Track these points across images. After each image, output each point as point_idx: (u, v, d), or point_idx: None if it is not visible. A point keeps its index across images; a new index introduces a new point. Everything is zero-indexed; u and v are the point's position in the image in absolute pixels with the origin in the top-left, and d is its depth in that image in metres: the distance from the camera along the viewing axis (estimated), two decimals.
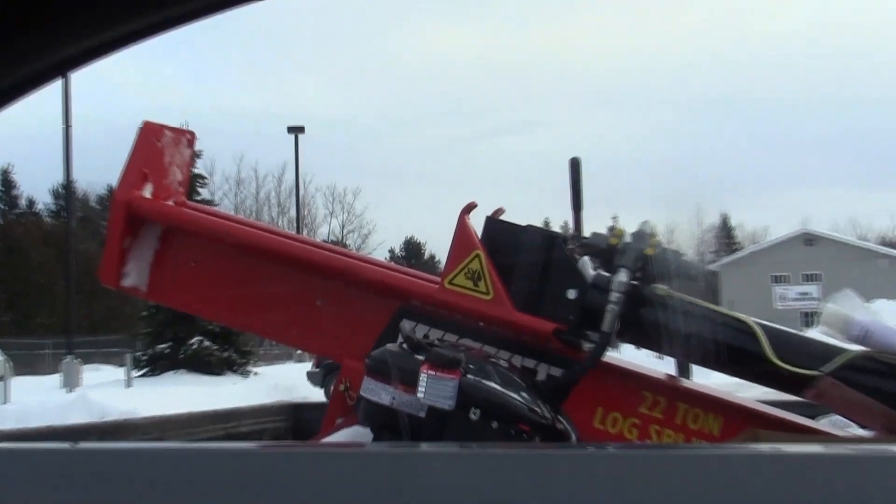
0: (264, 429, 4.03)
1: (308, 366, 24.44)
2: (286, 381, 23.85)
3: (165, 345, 27.90)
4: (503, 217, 3.30)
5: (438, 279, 3.27)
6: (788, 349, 2.99)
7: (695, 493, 1.99)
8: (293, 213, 52.94)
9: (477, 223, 3.26)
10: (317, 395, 20.43)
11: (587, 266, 3.18)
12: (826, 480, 1.95)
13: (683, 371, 3.41)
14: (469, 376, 2.59)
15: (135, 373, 27.15)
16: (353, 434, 2.82)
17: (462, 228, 3.21)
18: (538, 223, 3.32)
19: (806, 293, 60.58)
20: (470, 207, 3.25)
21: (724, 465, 2.03)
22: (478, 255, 3.16)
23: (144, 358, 28.43)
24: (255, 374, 28.75)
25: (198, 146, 3.87)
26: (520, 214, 3.29)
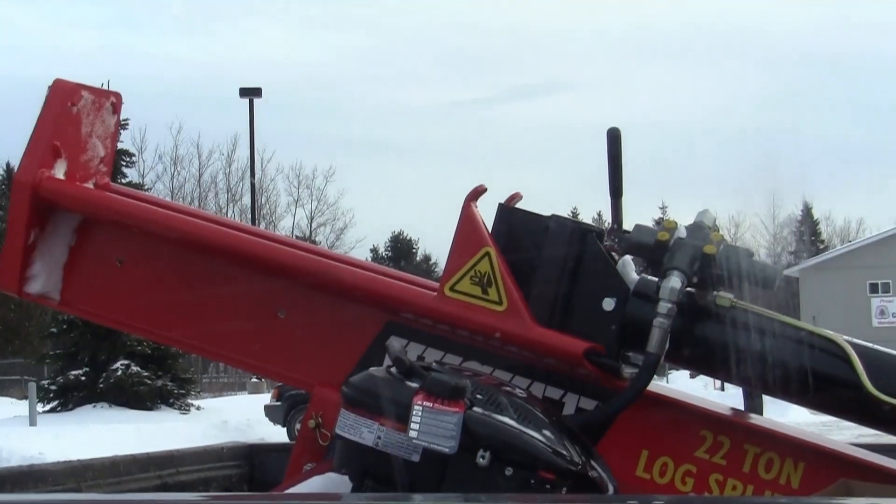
0: (211, 477, 4.04)
1: (266, 398, 24.45)
2: (238, 417, 23.87)
3: (80, 371, 27.89)
4: (519, 205, 3.32)
5: (436, 285, 3.29)
6: (892, 377, 3.01)
7: None
8: (247, 200, 52.84)
9: (486, 213, 3.28)
10: (277, 434, 20.46)
11: (629, 268, 3.20)
12: None
13: (753, 405, 3.43)
14: (476, 409, 2.61)
15: (40, 407, 27.14)
16: (325, 483, 2.84)
17: (467, 219, 3.23)
18: (564, 213, 3.34)
19: None
20: (477, 192, 3.26)
21: None
22: (487, 254, 3.18)
23: (53, 388, 28.44)
24: (198, 408, 28.77)
25: (124, 113, 3.89)
26: (540, 202, 3.31)
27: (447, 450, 2.54)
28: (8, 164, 57.14)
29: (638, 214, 3.25)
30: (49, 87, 3.56)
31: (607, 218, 3.27)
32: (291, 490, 2.99)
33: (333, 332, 3.45)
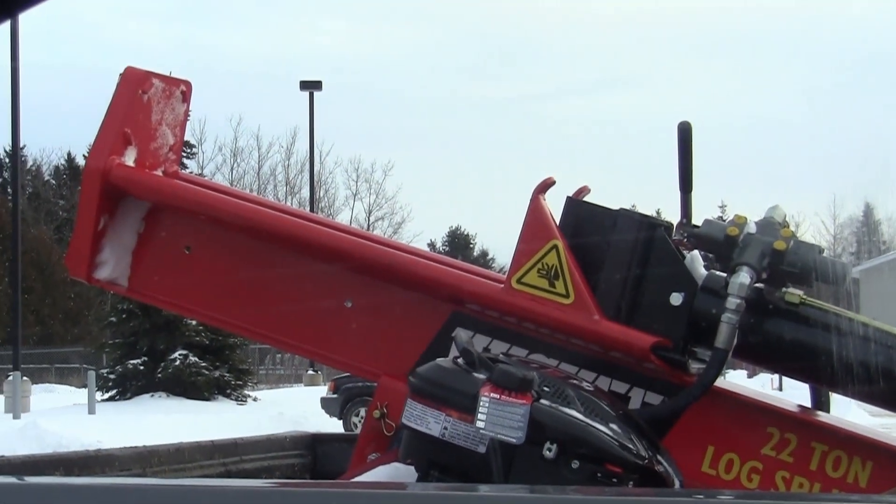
0: (274, 466, 4.07)
1: (323, 390, 24.53)
2: (294, 408, 23.98)
3: (139, 360, 28.12)
4: (588, 198, 3.32)
5: (503, 277, 3.29)
6: None
7: None
8: (306, 192, 53.05)
9: (554, 207, 3.27)
10: (333, 427, 20.54)
11: (698, 263, 3.19)
12: None
13: (821, 403, 3.40)
14: (543, 402, 2.61)
15: (99, 395, 27.37)
16: (391, 473, 2.85)
17: (535, 212, 3.23)
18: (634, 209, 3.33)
19: None
20: (546, 185, 3.26)
21: None
22: (555, 247, 3.18)
23: (112, 376, 28.70)
24: (255, 399, 28.92)
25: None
26: (603, 197, 3.30)
27: (514, 441, 2.54)
28: (69, 154, 57.67)
29: (699, 211, 3.24)
30: (120, 74, 3.59)
31: (665, 214, 3.26)
32: (357, 479, 3.00)
33: (400, 322, 3.46)
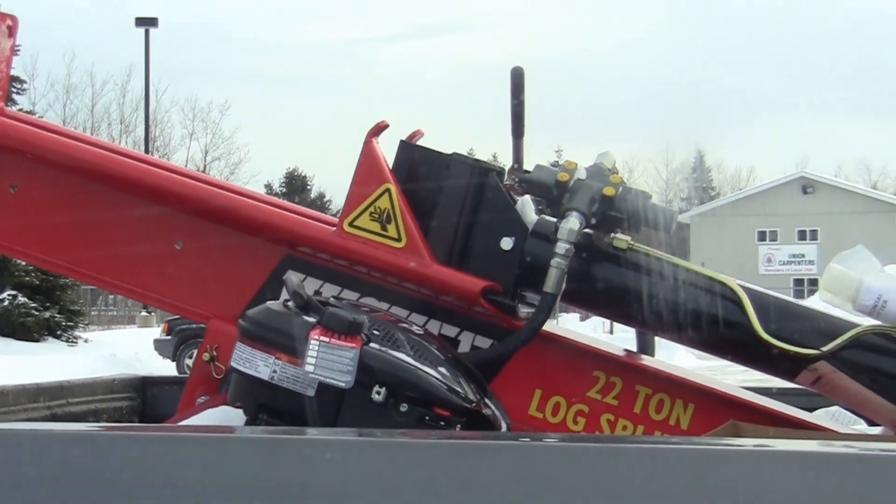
0: (102, 409, 4.01)
1: (156, 332, 24.31)
2: (127, 350, 23.72)
3: None
4: (421, 142, 3.32)
5: (336, 220, 3.28)
6: (781, 321, 3.06)
7: (656, 498, 2.05)
8: (140, 132, 52.34)
9: (387, 150, 3.27)
10: (166, 369, 20.37)
11: (528, 208, 3.21)
12: (822, 485, 2.01)
13: (646, 347, 3.47)
14: (373, 345, 2.62)
15: None
16: (220, 416, 2.83)
17: (368, 155, 3.22)
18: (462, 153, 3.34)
19: (800, 255, 61.70)
20: (379, 128, 3.25)
21: (696, 463, 2.08)
22: (388, 191, 3.18)
23: None
24: (87, 341, 28.57)
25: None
26: (438, 142, 3.30)
27: (343, 384, 2.54)
28: None
29: (534, 157, 3.26)
30: None
31: (503, 159, 3.28)
32: (184, 423, 2.98)
33: (231, 264, 3.43)
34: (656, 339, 3.58)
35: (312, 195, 70.60)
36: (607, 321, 20.83)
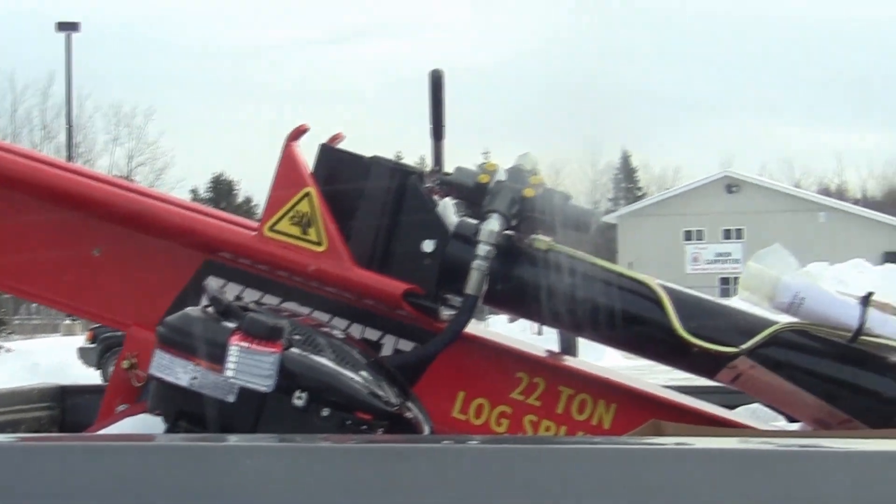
0: (20, 419, 3.97)
1: (80, 340, 24.08)
2: (50, 359, 23.49)
3: None
4: (342, 145, 3.31)
5: (256, 225, 3.26)
6: (701, 320, 3.09)
7: (579, 498, 2.06)
8: (63, 137, 51.77)
9: (308, 154, 3.26)
10: (90, 377, 20.17)
11: (449, 210, 3.22)
12: (743, 481, 2.03)
13: (568, 347, 3.49)
14: (293, 350, 2.61)
15: None
16: (139, 424, 2.81)
17: (288, 159, 3.21)
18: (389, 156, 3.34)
19: (726, 253, 62.19)
20: (299, 132, 3.25)
21: (618, 463, 2.10)
22: (308, 195, 3.17)
23: None
24: (8, 350, 28.21)
25: None
26: (363, 145, 3.30)
27: (264, 389, 2.53)
28: None
29: (459, 158, 3.26)
30: None
31: (429, 161, 3.28)
32: (103, 431, 2.95)
33: (150, 271, 3.40)
34: (584, 339, 3.59)
35: (239, 199, 70.37)
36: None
